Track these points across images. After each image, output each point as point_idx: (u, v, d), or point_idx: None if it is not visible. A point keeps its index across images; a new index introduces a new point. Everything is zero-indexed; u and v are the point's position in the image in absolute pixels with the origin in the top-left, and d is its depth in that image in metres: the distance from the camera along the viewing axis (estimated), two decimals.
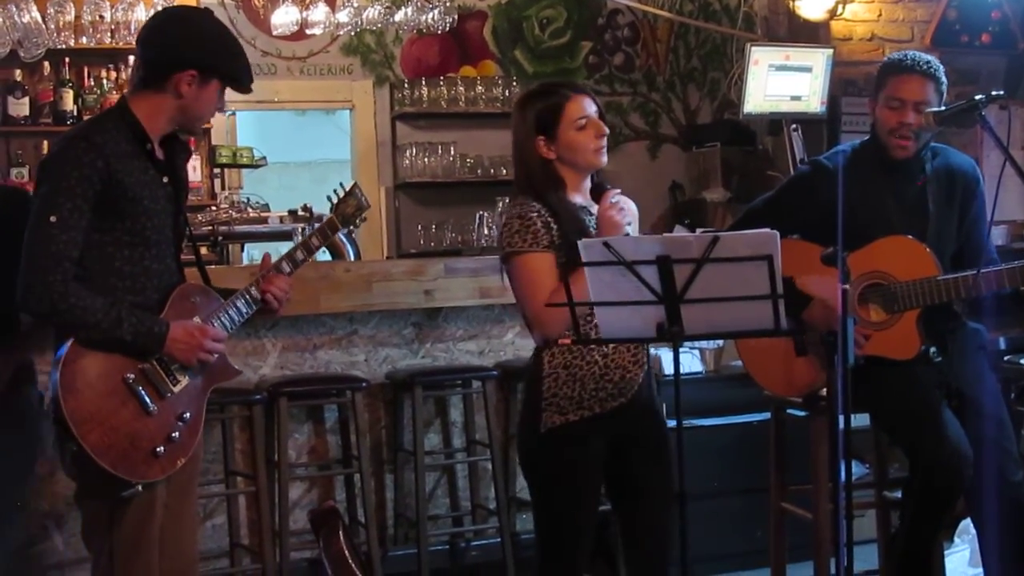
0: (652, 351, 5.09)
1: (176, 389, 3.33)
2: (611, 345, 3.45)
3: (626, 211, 3.45)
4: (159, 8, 6.51)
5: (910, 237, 3.91)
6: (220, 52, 3.38)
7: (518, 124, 3.56)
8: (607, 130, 3.53)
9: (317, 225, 3.76)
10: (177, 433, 3.32)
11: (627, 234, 3.43)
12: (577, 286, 3.15)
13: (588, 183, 3.58)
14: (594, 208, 3.51)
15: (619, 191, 3.51)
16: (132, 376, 3.26)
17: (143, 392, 3.27)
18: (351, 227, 3.81)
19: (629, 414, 3.49)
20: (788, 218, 3.66)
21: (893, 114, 3.93)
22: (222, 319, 3.45)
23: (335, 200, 3.74)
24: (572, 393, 3.45)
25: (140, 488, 3.24)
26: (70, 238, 3.17)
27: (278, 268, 3.58)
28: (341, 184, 3.81)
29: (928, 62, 3.95)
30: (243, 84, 3.45)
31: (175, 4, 6.32)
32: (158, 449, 3.27)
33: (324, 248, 5.93)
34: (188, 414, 3.35)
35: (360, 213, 3.76)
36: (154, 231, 3.33)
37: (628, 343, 3.43)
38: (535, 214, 3.45)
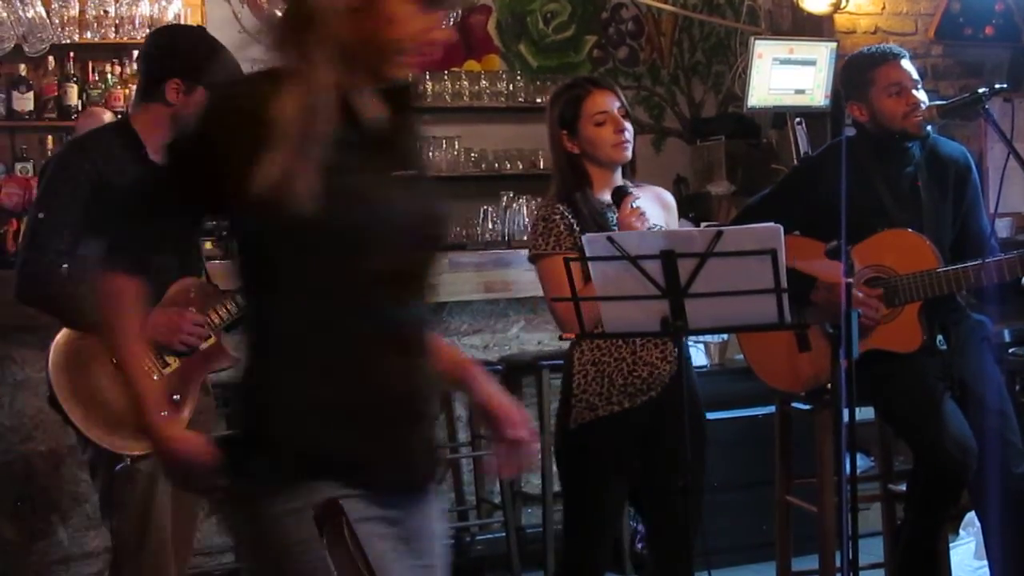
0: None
1: (166, 372, 3.52)
2: (639, 341, 3.46)
3: (646, 216, 3.45)
4: (163, 2, 6.56)
5: (910, 230, 3.91)
6: (203, 62, 3.57)
7: (548, 119, 3.62)
8: (626, 126, 3.53)
9: None
10: (166, 412, 3.43)
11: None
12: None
13: (618, 177, 3.58)
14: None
15: (639, 196, 3.50)
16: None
17: None
18: None
19: (659, 409, 3.49)
20: (786, 214, 3.67)
21: (899, 100, 3.94)
22: (219, 311, 3.60)
23: None
24: (601, 389, 3.48)
25: (129, 462, 3.44)
26: (56, 232, 3.44)
27: None
28: None
29: (892, 46, 4.09)
30: None
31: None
32: None
33: None
34: (178, 396, 3.53)
35: None
36: None
37: (630, 337, 3.44)
38: (558, 216, 3.50)
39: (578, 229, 3.46)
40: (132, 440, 3.43)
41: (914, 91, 3.94)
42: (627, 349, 3.48)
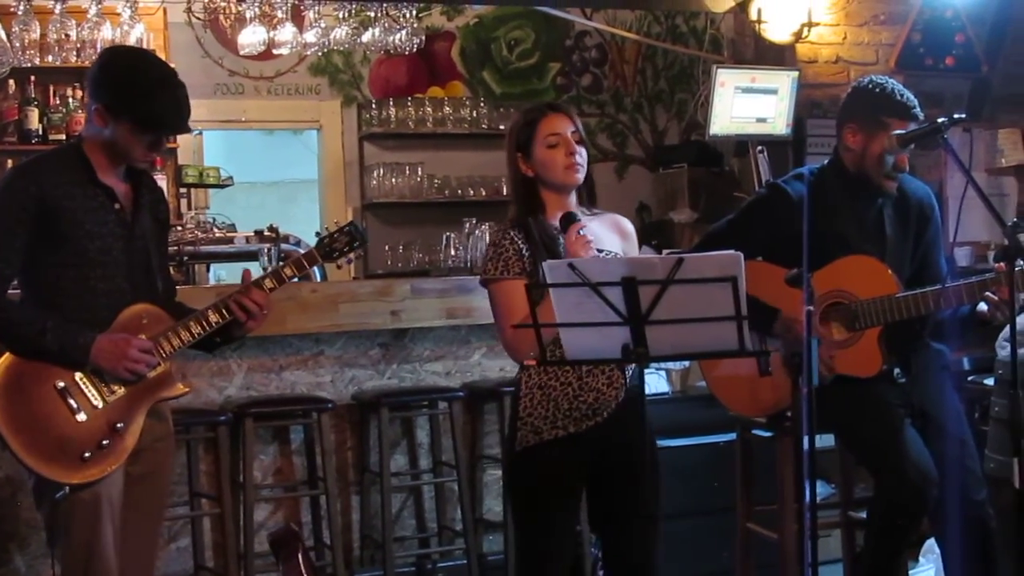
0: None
1: (111, 399, 3.45)
2: (586, 367, 3.46)
3: (592, 244, 3.45)
4: (125, 26, 6.54)
5: (871, 256, 3.93)
6: (125, 92, 3.44)
7: (506, 141, 3.64)
8: (578, 150, 3.54)
9: (298, 254, 3.85)
10: (108, 440, 3.43)
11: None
12: (545, 310, 3.16)
13: (572, 202, 3.59)
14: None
15: (586, 224, 3.51)
16: (63, 384, 3.40)
17: (73, 400, 3.40)
18: (338, 261, 3.77)
19: (607, 435, 3.48)
20: (748, 240, 3.67)
21: (896, 157, 3.95)
22: (171, 339, 3.51)
23: (324, 235, 3.74)
24: (546, 413, 3.48)
25: (67, 491, 3.36)
26: (1, 257, 3.37)
27: (258, 284, 3.62)
28: (336, 222, 3.82)
29: (916, 105, 3.96)
30: (157, 126, 3.47)
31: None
32: (86, 454, 3.38)
33: None
34: (121, 424, 3.45)
35: (352, 248, 3.73)
36: (98, 253, 3.45)
37: (592, 364, 3.44)
38: (507, 241, 3.51)
39: (528, 254, 3.48)
40: (71, 469, 3.36)
41: (902, 155, 3.93)
42: (573, 374, 3.48)
